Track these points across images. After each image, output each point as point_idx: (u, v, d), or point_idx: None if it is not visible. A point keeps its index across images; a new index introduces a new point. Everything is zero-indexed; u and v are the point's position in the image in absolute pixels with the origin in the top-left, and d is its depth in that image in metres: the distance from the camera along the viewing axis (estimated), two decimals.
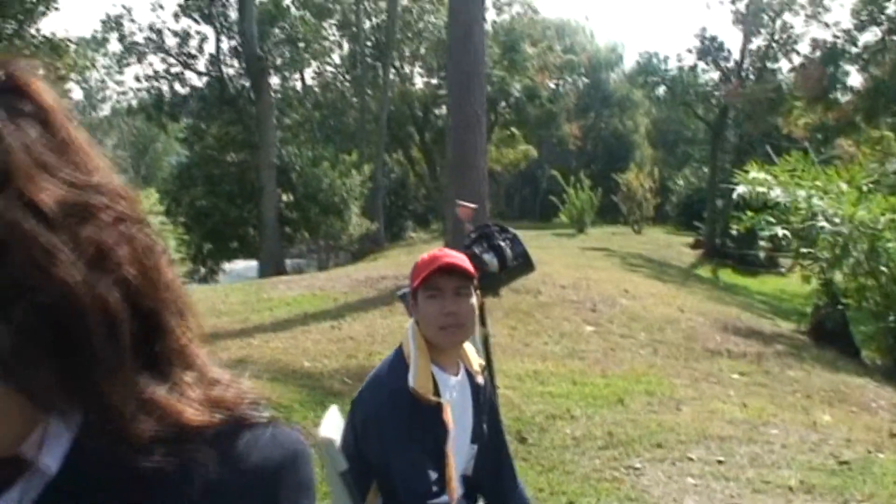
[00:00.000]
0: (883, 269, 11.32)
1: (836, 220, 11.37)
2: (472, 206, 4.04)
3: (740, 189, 12.63)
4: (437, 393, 2.60)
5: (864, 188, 11.89)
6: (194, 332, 0.79)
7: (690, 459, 5.78)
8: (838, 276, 11.93)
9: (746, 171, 12.81)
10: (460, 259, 2.69)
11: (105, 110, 64.31)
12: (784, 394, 8.17)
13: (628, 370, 8.56)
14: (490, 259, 3.43)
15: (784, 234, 12.51)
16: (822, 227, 11.46)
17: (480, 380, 2.85)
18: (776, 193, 11.94)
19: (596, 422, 6.57)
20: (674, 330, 10.94)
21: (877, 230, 11.12)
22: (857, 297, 11.76)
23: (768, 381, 8.73)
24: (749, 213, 12.60)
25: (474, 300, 2.69)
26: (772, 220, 12.28)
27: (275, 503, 0.78)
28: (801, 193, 11.77)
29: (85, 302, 0.68)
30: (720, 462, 5.74)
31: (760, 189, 12.13)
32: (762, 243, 14.49)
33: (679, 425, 6.54)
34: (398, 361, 2.67)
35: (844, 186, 11.82)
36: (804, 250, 12.38)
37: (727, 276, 23.65)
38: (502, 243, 3.47)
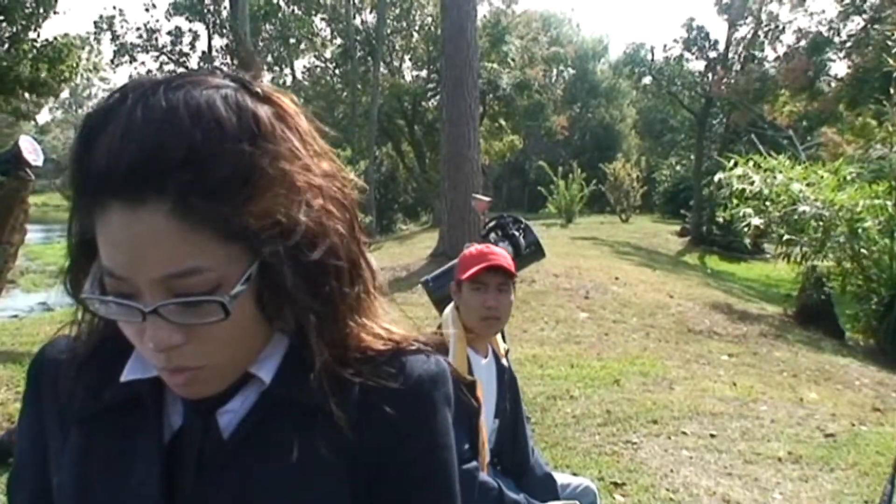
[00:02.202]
0: (863, 251, 11.53)
1: (818, 203, 11.55)
2: (487, 199, 4.35)
3: (719, 175, 12.87)
4: (470, 373, 2.83)
5: (848, 177, 12.05)
6: (377, 284, 1.00)
7: (684, 434, 5.97)
8: (822, 262, 12.05)
9: (730, 160, 13.07)
10: (504, 258, 2.92)
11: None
12: (772, 373, 8.39)
13: (622, 353, 8.76)
14: (505, 247, 3.63)
15: (760, 224, 12.73)
16: (803, 212, 11.62)
17: (505, 362, 3.08)
18: (756, 182, 12.18)
19: (594, 401, 6.75)
20: (664, 315, 11.15)
21: (855, 213, 11.32)
22: (841, 281, 11.96)
23: (756, 361, 8.95)
24: (734, 202, 12.84)
25: (513, 296, 2.94)
26: (750, 210, 12.50)
27: (432, 402, 1.00)
28: (781, 177, 11.99)
29: (324, 248, 0.88)
30: (713, 436, 5.94)
31: (740, 178, 12.37)
32: (745, 230, 14.74)
33: (672, 403, 6.74)
34: None
35: (825, 175, 12.05)
36: (787, 237, 12.47)
37: (714, 263, 23.65)
38: (516, 233, 3.70)
